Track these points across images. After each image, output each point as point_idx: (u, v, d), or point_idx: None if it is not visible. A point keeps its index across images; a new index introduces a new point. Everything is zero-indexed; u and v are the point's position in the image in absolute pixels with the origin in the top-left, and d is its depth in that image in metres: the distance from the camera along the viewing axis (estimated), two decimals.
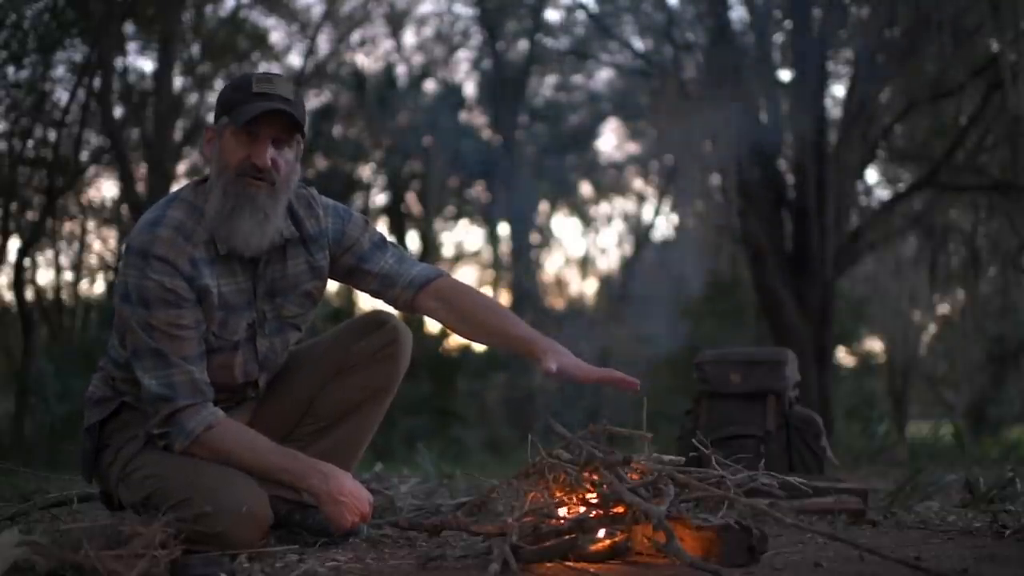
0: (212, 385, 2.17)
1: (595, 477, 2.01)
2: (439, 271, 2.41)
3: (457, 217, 17.69)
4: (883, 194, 12.94)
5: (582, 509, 2.00)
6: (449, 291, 2.36)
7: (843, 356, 16.95)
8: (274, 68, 14.76)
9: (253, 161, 2.10)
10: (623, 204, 18.17)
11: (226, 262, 2.17)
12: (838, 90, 13.33)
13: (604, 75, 14.57)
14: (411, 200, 16.44)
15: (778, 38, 10.85)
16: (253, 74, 2.17)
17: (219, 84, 13.98)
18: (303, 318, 2.35)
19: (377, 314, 2.45)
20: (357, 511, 2.12)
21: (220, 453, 2.11)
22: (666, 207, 16.50)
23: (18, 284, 9.26)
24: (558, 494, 2.04)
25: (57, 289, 12.18)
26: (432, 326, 15.54)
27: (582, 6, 12.57)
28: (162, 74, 11.66)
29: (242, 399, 2.35)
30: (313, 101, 14.57)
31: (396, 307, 2.41)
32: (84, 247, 12.90)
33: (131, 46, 11.83)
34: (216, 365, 2.20)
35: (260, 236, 2.15)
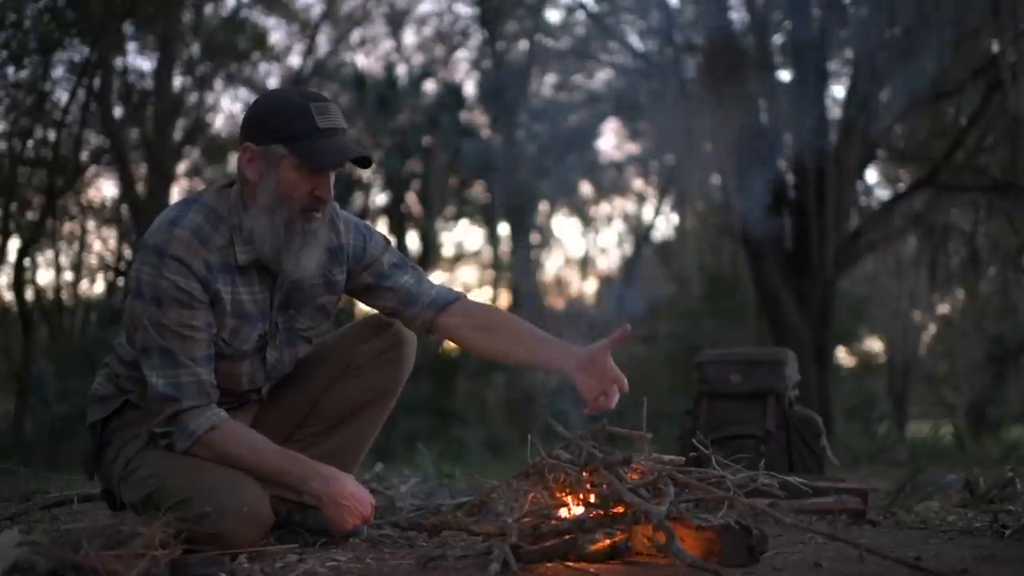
0: (217, 387, 2.17)
1: (595, 477, 2.01)
2: (458, 293, 2.40)
3: (457, 217, 17.69)
4: (883, 194, 12.97)
5: (582, 509, 2.00)
6: (470, 312, 2.36)
7: (843, 356, 16.96)
8: (274, 68, 14.78)
9: (318, 195, 2.10)
10: (623, 204, 18.19)
11: (244, 271, 2.16)
12: (838, 90, 13.34)
13: (604, 75, 14.57)
14: (411, 200, 16.44)
15: (778, 38, 10.85)
16: (306, 97, 2.11)
17: (219, 84, 13.98)
18: (315, 331, 2.35)
19: (381, 317, 2.44)
20: (359, 514, 2.13)
21: (222, 454, 2.11)
22: (666, 207, 16.51)
23: (18, 284, 9.27)
24: (558, 494, 2.04)
25: (57, 289, 12.18)
26: None
27: (582, 6, 12.58)
28: (162, 74, 11.67)
29: (244, 402, 2.35)
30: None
31: (413, 327, 2.40)
32: (84, 247, 12.91)
33: (131, 46, 11.84)
34: (223, 371, 2.19)
35: (318, 262, 2.19)
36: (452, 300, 2.36)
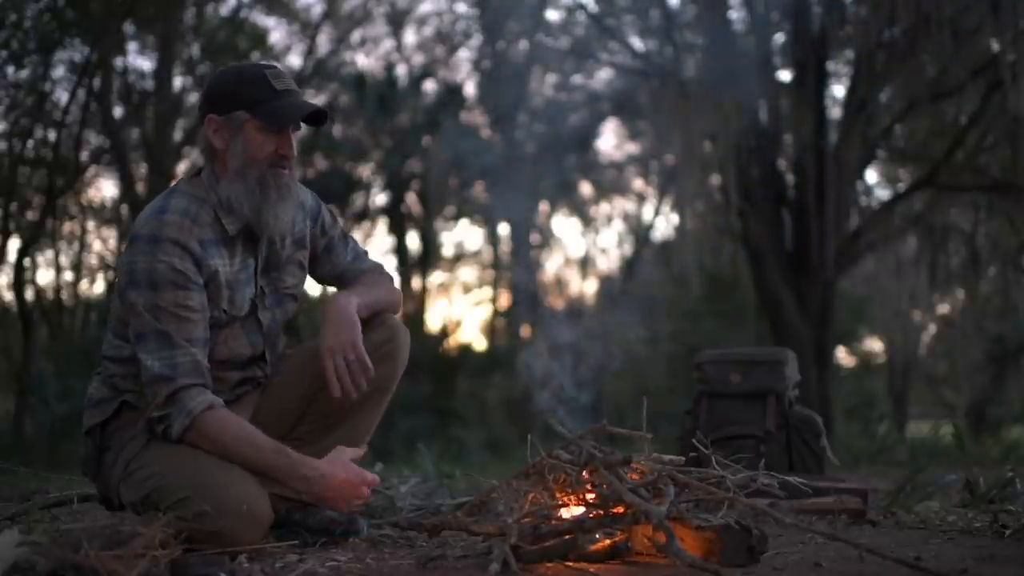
0: (224, 362, 2.22)
1: (595, 477, 2.01)
2: (371, 266, 2.54)
3: (457, 217, 17.69)
4: (883, 194, 12.96)
5: (582, 509, 2.00)
6: (358, 283, 2.50)
7: (843, 356, 16.96)
8: None
9: (283, 153, 2.22)
10: (623, 204, 18.19)
11: (231, 243, 2.23)
12: (838, 90, 13.33)
13: (604, 75, 14.57)
14: (411, 200, 16.44)
15: (778, 38, 10.85)
16: (259, 66, 2.25)
17: None
18: (298, 288, 2.42)
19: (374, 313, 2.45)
20: (351, 498, 2.13)
21: (216, 441, 2.10)
22: (666, 207, 16.51)
23: (18, 284, 9.26)
24: (558, 494, 2.04)
25: (57, 289, 12.18)
26: (432, 325, 15.53)
27: (582, 6, 12.57)
28: (162, 74, 11.66)
29: (253, 378, 2.37)
30: (313, 101, 14.56)
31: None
32: (84, 247, 12.90)
33: (131, 46, 11.84)
34: (223, 339, 2.24)
35: (293, 215, 2.31)
36: (359, 275, 2.49)
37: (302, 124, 2.27)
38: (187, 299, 2.12)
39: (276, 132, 2.20)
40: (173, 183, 2.31)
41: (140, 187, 11.80)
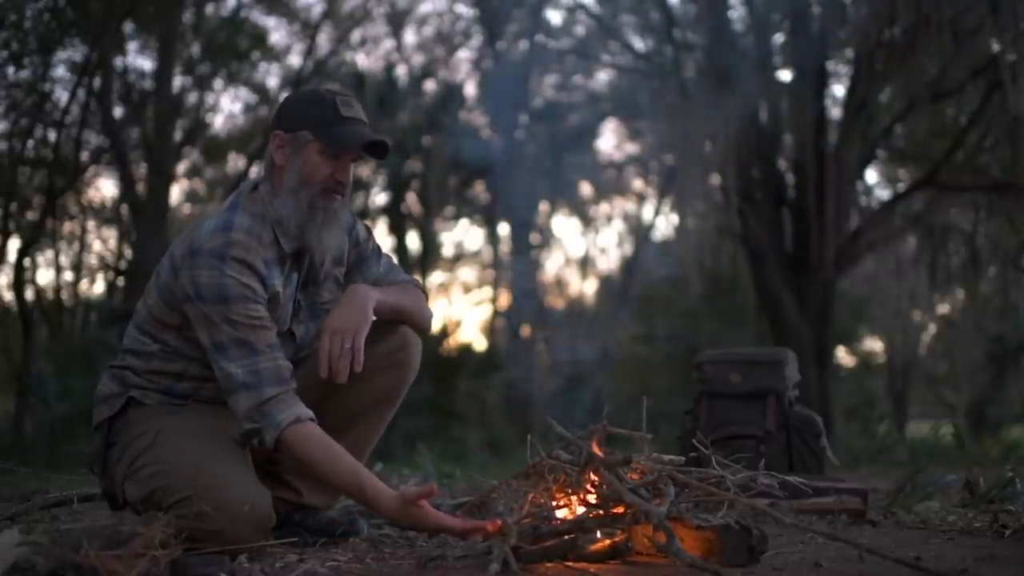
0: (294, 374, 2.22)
1: (595, 477, 2.01)
2: (403, 279, 2.51)
3: (457, 217, 17.69)
4: (883, 194, 12.97)
5: (582, 509, 2.00)
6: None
7: (843, 356, 16.96)
8: (274, 68, 14.77)
9: (338, 179, 2.25)
10: (623, 204, 18.18)
11: (284, 260, 2.26)
12: (838, 90, 13.34)
13: (604, 75, 14.58)
14: (411, 200, 16.44)
15: (778, 38, 10.85)
16: (332, 91, 2.28)
17: (219, 84, 13.99)
18: (332, 303, 2.40)
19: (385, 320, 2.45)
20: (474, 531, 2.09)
21: (298, 457, 2.12)
22: (666, 207, 16.50)
23: (18, 284, 9.26)
24: (558, 495, 2.04)
25: (57, 289, 12.19)
26: (432, 326, 15.55)
27: (583, 6, 12.58)
28: (162, 74, 11.66)
29: None
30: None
31: None
32: (84, 247, 12.92)
33: (131, 46, 11.85)
34: None
35: (338, 240, 2.33)
36: (391, 285, 2.47)
37: (364, 155, 2.28)
38: (258, 311, 2.14)
39: (334, 157, 2.22)
40: (232, 196, 2.30)
41: (140, 187, 11.80)
